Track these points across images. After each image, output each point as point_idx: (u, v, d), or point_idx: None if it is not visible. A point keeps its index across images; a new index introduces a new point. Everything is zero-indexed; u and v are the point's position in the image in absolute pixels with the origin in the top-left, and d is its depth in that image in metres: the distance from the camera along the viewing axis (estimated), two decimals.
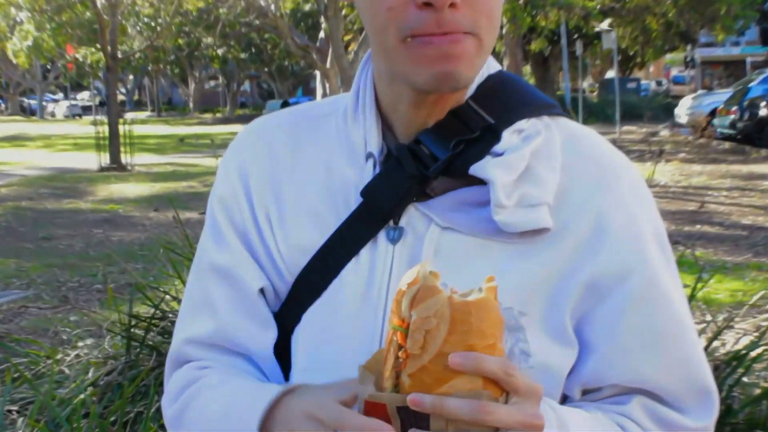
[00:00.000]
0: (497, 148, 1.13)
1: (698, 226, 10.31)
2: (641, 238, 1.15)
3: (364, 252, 1.14)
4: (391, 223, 1.14)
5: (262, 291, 1.20)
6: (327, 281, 1.16)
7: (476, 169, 1.11)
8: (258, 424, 1.04)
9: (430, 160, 1.13)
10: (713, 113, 24.63)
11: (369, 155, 1.16)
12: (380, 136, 1.18)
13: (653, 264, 1.14)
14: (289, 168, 1.22)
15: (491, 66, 1.20)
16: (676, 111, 29.59)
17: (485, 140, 1.14)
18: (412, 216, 1.14)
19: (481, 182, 1.12)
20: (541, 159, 1.14)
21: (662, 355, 1.13)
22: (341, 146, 1.20)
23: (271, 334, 1.19)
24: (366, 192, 1.14)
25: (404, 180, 1.13)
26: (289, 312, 1.19)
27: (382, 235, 1.14)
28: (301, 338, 1.18)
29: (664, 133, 27.15)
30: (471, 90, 1.16)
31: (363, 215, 1.15)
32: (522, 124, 1.15)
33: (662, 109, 37.64)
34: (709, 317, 4.90)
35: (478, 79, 1.17)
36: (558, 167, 1.14)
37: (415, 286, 0.92)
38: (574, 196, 1.14)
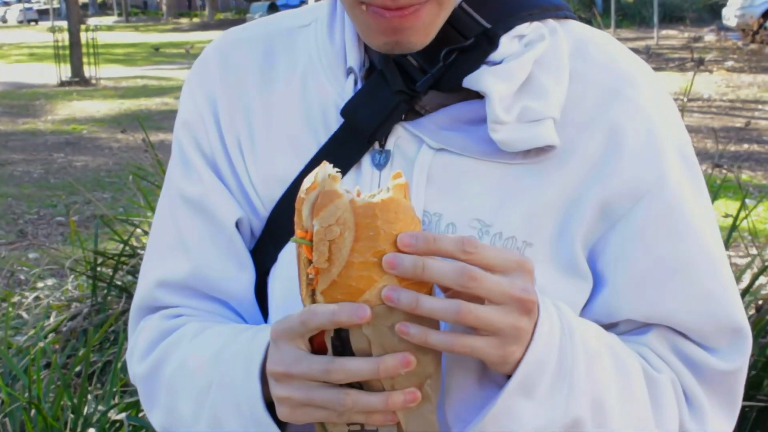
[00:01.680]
0: (494, 56, 1.11)
1: (746, 146, 10.31)
2: (661, 154, 1.14)
3: (347, 179, 1.14)
4: (377, 145, 1.14)
5: (237, 225, 1.20)
6: None
7: (471, 81, 1.10)
8: (258, 375, 1.05)
9: (419, 72, 1.12)
10: (766, 15, 24.38)
11: (349, 70, 1.16)
12: (361, 47, 1.16)
13: (674, 183, 1.13)
14: (261, 88, 1.22)
15: None
16: (724, 12, 29.21)
17: (481, 48, 1.12)
18: (400, 137, 1.14)
19: (477, 96, 1.11)
20: (545, 68, 1.13)
21: (683, 288, 1.13)
22: (320, 61, 1.19)
23: (249, 275, 1.20)
24: (346, 111, 1.14)
25: (390, 96, 1.12)
26: (264, 250, 1.20)
27: (366, 160, 1.15)
28: (278, 279, 1.18)
29: (710, 37, 26.85)
30: None
31: (344, 138, 1.15)
32: (523, 28, 1.13)
33: (708, 9, 37.27)
34: (754, 250, 4.93)
35: None
36: (565, 77, 1.14)
37: (314, 191, 0.93)
38: (583, 109, 1.14)
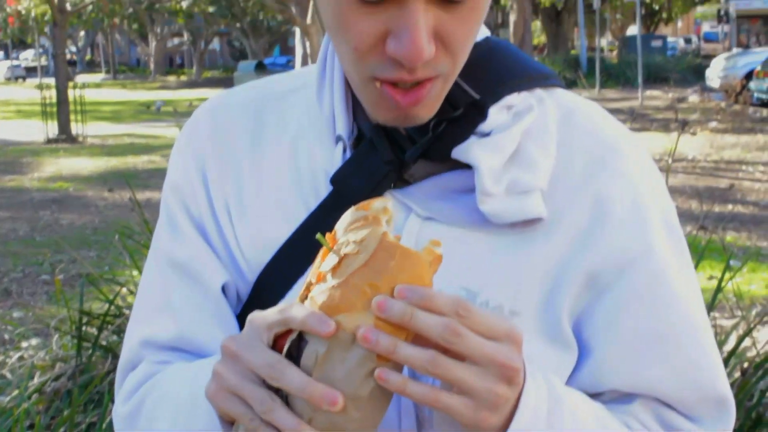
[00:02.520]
0: (483, 127, 1.12)
1: (730, 207, 10.35)
2: (646, 224, 1.15)
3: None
4: None
5: (224, 289, 1.20)
6: (292, 280, 1.16)
7: (460, 152, 1.11)
8: None
9: (408, 142, 1.13)
10: (749, 76, 24.66)
11: (338, 138, 1.16)
12: (350, 115, 1.17)
13: (659, 253, 1.14)
14: (251, 152, 1.22)
15: (479, 33, 1.19)
16: (707, 73, 29.61)
17: (470, 118, 1.13)
18: None
19: (466, 166, 1.12)
20: (533, 138, 1.14)
21: (668, 359, 1.13)
22: (311, 126, 1.21)
23: None
24: (336, 179, 1.15)
25: (379, 165, 1.13)
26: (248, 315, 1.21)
27: None
28: None
29: (693, 98, 27.14)
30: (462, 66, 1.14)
31: (334, 205, 1.14)
32: (512, 98, 1.15)
33: (691, 71, 37.75)
34: (739, 312, 4.94)
35: None
36: (553, 147, 1.14)
37: (362, 211, 0.96)
38: (570, 179, 1.15)
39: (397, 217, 1.11)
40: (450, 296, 0.92)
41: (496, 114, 1.13)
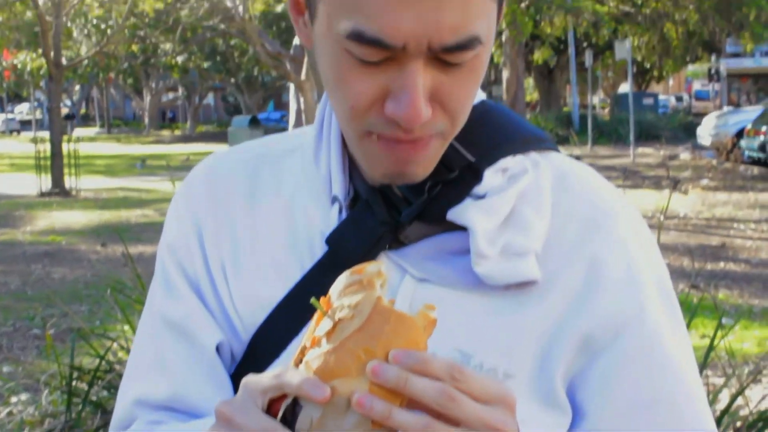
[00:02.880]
0: (478, 189, 1.13)
1: (722, 264, 10.36)
2: (640, 288, 1.15)
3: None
4: None
5: (218, 348, 1.20)
6: (287, 341, 1.16)
7: (455, 214, 1.12)
8: None
9: (403, 203, 1.14)
10: (740, 134, 24.82)
11: (334, 198, 1.17)
12: (346, 176, 1.18)
13: (653, 317, 1.15)
14: (247, 211, 1.23)
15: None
16: (699, 131, 29.79)
17: (465, 181, 1.14)
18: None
19: (461, 227, 1.12)
20: (528, 201, 1.14)
21: (661, 422, 1.13)
22: (307, 186, 1.21)
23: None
24: (332, 240, 1.15)
25: (375, 226, 1.14)
26: (244, 374, 1.16)
27: None
28: None
29: (685, 156, 27.29)
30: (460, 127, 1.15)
31: (329, 265, 1.14)
32: (507, 161, 1.16)
33: (682, 128, 37.97)
34: (732, 371, 4.93)
35: None
36: (547, 210, 1.15)
37: (356, 275, 0.95)
38: (564, 241, 1.15)
39: (392, 278, 1.13)
40: (444, 360, 0.92)
41: (491, 177, 1.14)
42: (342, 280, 0.97)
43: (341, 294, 0.96)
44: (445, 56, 1.01)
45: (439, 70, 1.02)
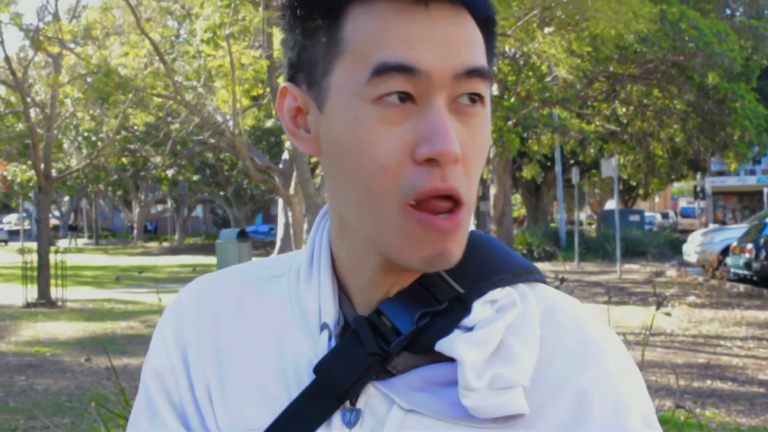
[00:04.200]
0: (467, 321, 1.12)
1: (708, 382, 10.30)
2: (627, 425, 1.14)
3: None
4: (348, 404, 1.14)
5: None
6: None
7: (443, 346, 1.10)
8: None
9: (392, 333, 1.14)
10: (726, 251, 24.88)
11: (323, 326, 1.17)
12: (336, 304, 1.18)
13: None
14: (233, 337, 1.22)
15: None
16: (685, 248, 29.86)
17: (454, 312, 1.13)
18: (372, 396, 1.13)
19: (449, 359, 1.12)
20: (516, 334, 1.13)
21: None
22: (294, 313, 1.21)
23: None
24: (319, 369, 1.14)
25: (363, 357, 1.13)
26: None
27: (337, 417, 1.14)
28: None
29: (671, 272, 27.38)
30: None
31: (316, 394, 1.14)
32: (495, 293, 1.15)
33: (669, 245, 38.18)
34: None
35: None
36: (536, 343, 1.14)
37: None
38: (551, 375, 1.13)
39: (379, 408, 1.13)
40: None
41: (479, 308, 1.13)
42: None
43: None
44: (463, 84, 1.07)
45: (455, 118, 1.07)
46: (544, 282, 1.24)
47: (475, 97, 1.08)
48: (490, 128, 1.12)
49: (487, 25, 1.12)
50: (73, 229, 57.58)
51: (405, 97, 1.05)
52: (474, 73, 1.06)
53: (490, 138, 1.13)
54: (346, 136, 1.07)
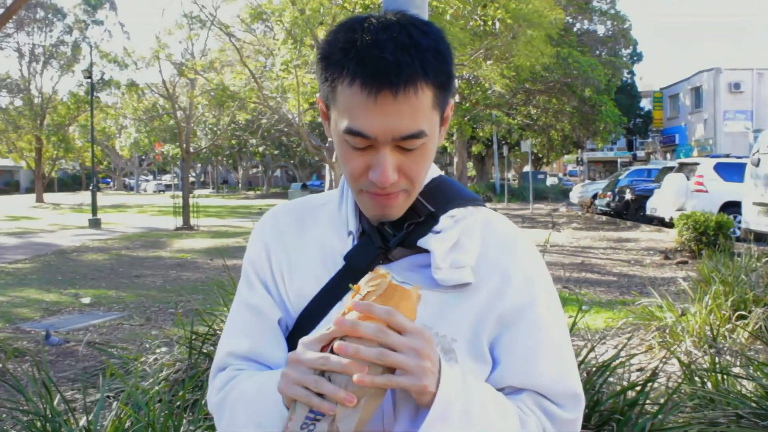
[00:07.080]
0: (436, 228, 1.12)
1: (583, 274, 10.30)
2: (533, 288, 1.13)
3: (346, 298, 1.11)
4: None
5: (279, 322, 1.17)
6: (320, 318, 1.14)
7: (422, 242, 1.11)
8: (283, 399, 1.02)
9: (391, 236, 1.13)
10: (595, 196, 24.77)
11: (350, 233, 1.15)
12: (357, 219, 1.16)
13: (541, 305, 1.12)
14: (296, 241, 1.20)
15: (434, 172, 1.19)
16: (570, 194, 29.74)
17: (428, 223, 1.13)
18: None
19: (425, 250, 1.11)
20: (467, 234, 1.13)
21: (544, 366, 1.10)
22: (332, 226, 1.19)
23: (283, 353, 1.16)
24: (347, 258, 1.14)
25: (374, 250, 1.12)
26: (293, 339, 1.15)
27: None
28: None
29: (562, 209, 27.24)
30: (420, 188, 1.13)
31: (346, 273, 1.13)
32: (455, 211, 1.14)
33: (561, 193, 37.98)
34: (588, 337, 4.93)
35: (426, 181, 1.15)
36: (478, 240, 1.13)
37: (380, 278, 0.97)
38: (487, 259, 1.13)
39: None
40: (384, 308, 0.92)
41: (444, 220, 1.13)
42: (366, 276, 0.98)
43: (366, 283, 0.97)
44: (402, 143, 1.02)
45: (400, 153, 1.03)
46: (484, 206, 1.22)
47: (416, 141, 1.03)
48: (435, 146, 1.07)
49: (441, 79, 1.03)
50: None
51: (364, 147, 1.03)
52: (409, 136, 1.01)
53: (435, 151, 1.08)
54: (336, 149, 1.07)
